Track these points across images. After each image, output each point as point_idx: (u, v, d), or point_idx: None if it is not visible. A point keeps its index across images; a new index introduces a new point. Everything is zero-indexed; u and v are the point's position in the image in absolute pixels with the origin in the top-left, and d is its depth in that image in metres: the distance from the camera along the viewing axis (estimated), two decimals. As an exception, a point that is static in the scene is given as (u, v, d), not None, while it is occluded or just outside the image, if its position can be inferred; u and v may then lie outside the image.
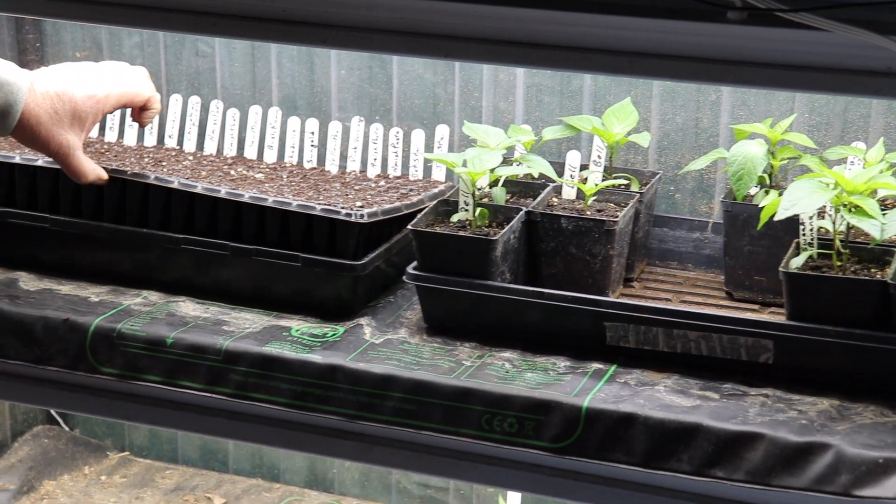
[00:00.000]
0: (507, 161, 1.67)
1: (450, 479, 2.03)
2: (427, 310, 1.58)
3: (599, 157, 1.71)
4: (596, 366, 1.50)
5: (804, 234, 1.50)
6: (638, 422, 1.39)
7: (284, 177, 1.80)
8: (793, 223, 1.49)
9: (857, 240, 1.51)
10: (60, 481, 2.37)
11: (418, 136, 1.81)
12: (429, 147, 1.81)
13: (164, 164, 1.83)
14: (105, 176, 1.63)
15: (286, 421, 1.54)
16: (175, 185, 1.64)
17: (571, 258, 1.58)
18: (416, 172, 1.82)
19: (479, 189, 1.62)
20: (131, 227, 1.67)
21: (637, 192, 1.67)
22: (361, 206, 1.64)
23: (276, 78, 2.07)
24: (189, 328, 1.57)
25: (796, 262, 1.47)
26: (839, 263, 1.47)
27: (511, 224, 1.56)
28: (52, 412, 2.46)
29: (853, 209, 1.44)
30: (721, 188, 1.86)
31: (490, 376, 1.47)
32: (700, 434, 1.37)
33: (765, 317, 1.55)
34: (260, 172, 1.82)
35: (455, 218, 1.59)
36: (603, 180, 1.69)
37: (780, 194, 1.48)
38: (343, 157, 1.86)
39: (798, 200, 1.43)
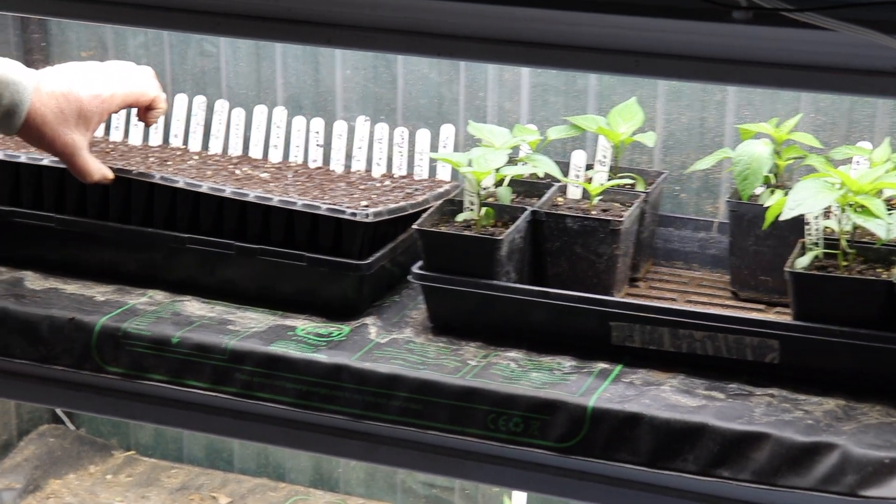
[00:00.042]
0: (512, 161, 1.67)
1: (455, 478, 2.03)
2: (432, 309, 1.58)
3: (605, 156, 1.70)
4: (601, 365, 1.50)
5: (810, 234, 1.50)
6: (643, 421, 1.39)
7: (289, 176, 1.81)
8: (798, 223, 1.49)
9: (863, 240, 1.51)
10: (66, 480, 2.38)
11: (423, 135, 1.81)
12: (434, 147, 1.81)
13: (169, 163, 1.83)
14: (110, 175, 1.63)
15: (292, 420, 1.54)
16: (180, 185, 1.64)
17: (577, 258, 1.58)
18: (420, 172, 1.82)
19: (485, 189, 1.63)
20: (137, 226, 1.67)
21: (642, 192, 1.67)
22: (367, 206, 1.64)
23: (281, 77, 2.07)
24: (194, 327, 1.57)
25: (802, 262, 1.47)
26: (845, 263, 1.47)
27: (516, 224, 1.56)
28: (58, 411, 2.47)
29: (859, 209, 1.44)
30: (726, 188, 1.86)
31: (495, 376, 1.47)
32: (706, 434, 1.37)
33: (770, 317, 1.55)
34: (265, 172, 1.82)
35: (460, 217, 1.60)
36: (608, 180, 1.69)
37: (786, 194, 1.48)
38: (348, 156, 1.86)
39: (804, 200, 1.43)
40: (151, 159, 1.85)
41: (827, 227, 1.49)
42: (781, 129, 1.65)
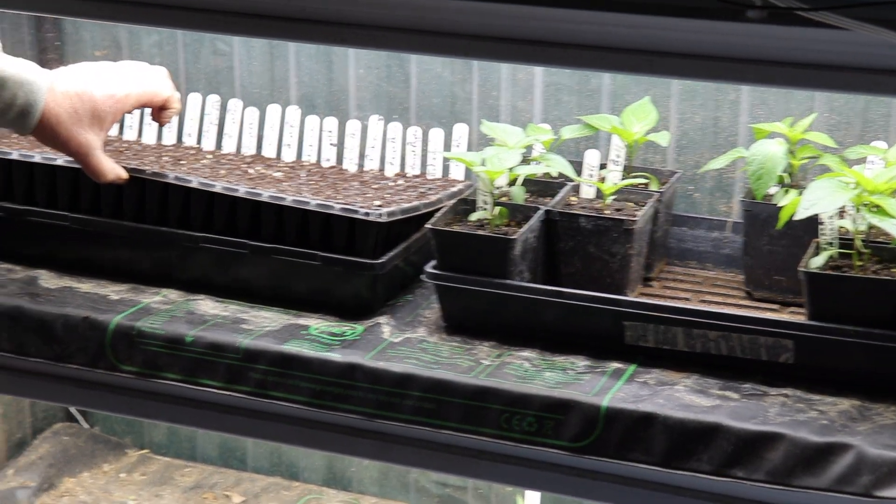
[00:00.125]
0: (525, 160, 1.67)
1: (469, 478, 2.03)
2: (446, 309, 1.58)
3: (618, 156, 1.70)
4: (615, 365, 1.50)
5: (824, 234, 1.49)
6: (657, 421, 1.39)
7: (303, 175, 1.81)
8: (812, 223, 1.49)
9: (878, 239, 1.50)
10: (80, 478, 2.38)
11: (436, 134, 1.81)
12: (447, 146, 1.81)
13: (182, 162, 1.84)
14: (124, 175, 1.64)
15: (305, 419, 1.54)
16: (194, 185, 1.65)
17: (590, 257, 1.58)
18: (434, 171, 1.82)
19: (498, 188, 1.62)
20: (151, 225, 1.68)
21: (656, 192, 1.66)
22: (380, 206, 1.64)
23: (294, 77, 2.07)
24: (208, 326, 1.58)
25: (816, 262, 1.46)
26: (860, 263, 1.47)
27: (530, 223, 1.56)
28: (72, 410, 2.47)
29: (874, 209, 1.43)
30: (740, 187, 1.85)
31: (509, 375, 1.47)
32: (720, 434, 1.37)
33: (785, 316, 1.55)
34: (278, 171, 1.82)
35: (474, 217, 1.59)
36: (622, 179, 1.68)
37: (800, 194, 1.48)
38: (361, 155, 1.86)
39: (818, 200, 1.42)
40: (165, 158, 1.85)
41: (841, 227, 1.49)
42: (796, 128, 1.64)
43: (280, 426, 1.57)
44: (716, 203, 1.88)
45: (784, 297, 1.61)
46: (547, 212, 1.59)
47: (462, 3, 1.40)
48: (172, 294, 1.67)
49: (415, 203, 1.67)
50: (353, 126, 1.86)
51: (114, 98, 1.59)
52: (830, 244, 1.49)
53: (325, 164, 1.87)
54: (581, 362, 1.50)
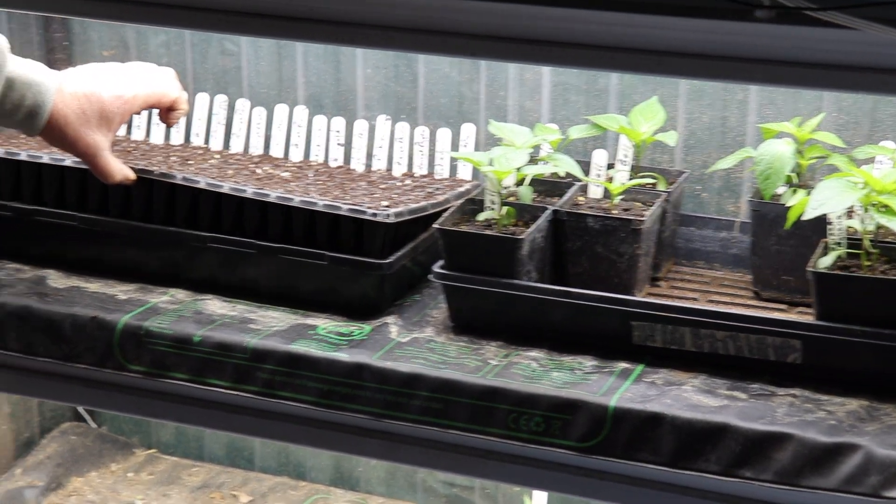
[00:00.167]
0: (533, 160, 1.67)
1: (477, 478, 2.03)
2: (453, 308, 1.58)
3: (626, 156, 1.70)
4: (622, 365, 1.49)
5: (832, 234, 1.49)
6: (665, 421, 1.39)
7: (310, 175, 1.81)
8: (821, 223, 1.49)
9: (886, 239, 1.50)
10: (88, 478, 2.39)
11: (444, 134, 1.81)
12: (454, 146, 1.81)
13: (190, 162, 1.84)
14: (132, 176, 1.64)
15: (313, 419, 1.54)
16: (202, 186, 1.65)
17: (598, 257, 1.58)
18: (441, 171, 1.82)
19: (506, 188, 1.62)
20: (158, 225, 1.68)
21: (664, 192, 1.66)
22: (388, 206, 1.64)
23: (302, 76, 2.08)
24: (216, 326, 1.58)
25: (825, 262, 1.46)
26: (868, 263, 1.46)
27: (537, 223, 1.56)
28: (80, 409, 2.48)
29: (882, 209, 1.43)
30: (748, 187, 1.85)
31: (517, 375, 1.47)
32: (728, 434, 1.37)
33: (793, 317, 1.55)
34: (286, 171, 1.82)
35: (481, 217, 1.59)
36: (629, 179, 1.68)
37: (808, 194, 1.48)
38: (369, 155, 1.86)
39: (826, 200, 1.42)
40: (173, 158, 1.85)
41: (850, 227, 1.49)
42: (804, 128, 1.64)
43: (288, 426, 1.57)
44: (724, 203, 1.88)
45: (792, 297, 1.60)
46: (555, 212, 1.59)
47: (470, 3, 1.40)
48: (180, 294, 1.67)
49: (422, 203, 1.67)
50: (360, 126, 1.86)
51: (122, 99, 1.60)
52: (839, 244, 1.49)
53: (332, 164, 1.87)
54: (589, 362, 1.50)
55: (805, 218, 1.44)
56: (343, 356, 1.51)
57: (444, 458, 1.51)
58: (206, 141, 1.94)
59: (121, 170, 1.62)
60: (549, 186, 1.69)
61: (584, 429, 1.41)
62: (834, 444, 1.33)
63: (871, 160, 1.61)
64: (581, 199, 1.67)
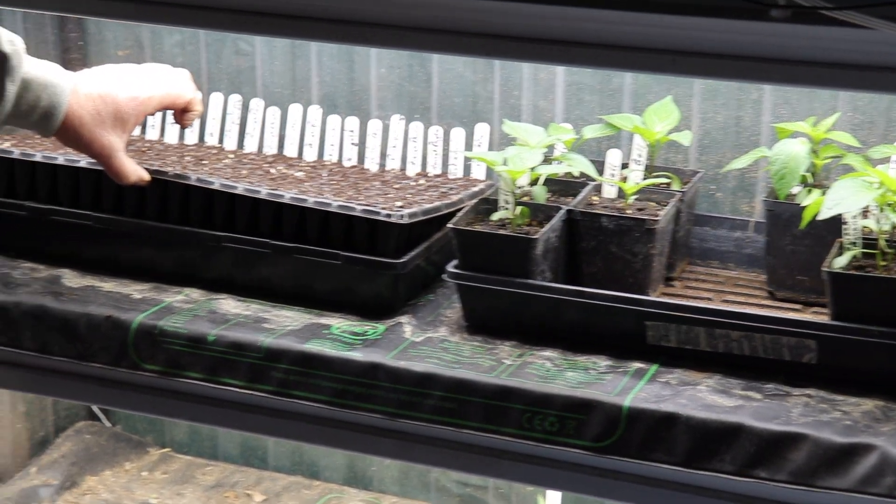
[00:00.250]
0: (547, 159, 1.66)
1: (491, 477, 2.03)
2: (467, 308, 1.58)
3: (640, 155, 1.70)
4: (637, 365, 1.49)
5: (847, 234, 1.49)
6: (680, 421, 1.39)
7: (324, 175, 1.81)
8: (836, 222, 1.48)
9: (902, 239, 1.50)
10: (102, 477, 2.39)
11: (458, 134, 1.81)
12: (468, 145, 1.81)
13: (204, 162, 1.84)
14: (147, 177, 1.64)
15: (327, 419, 1.54)
16: (216, 186, 1.65)
17: (612, 257, 1.58)
18: (455, 171, 1.82)
19: (520, 188, 1.62)
20: (173, 225, 1.68)
21: (678, 191, 1.66)
22: (402, 207, 1.64)
23: (316, 76, 2.08)
24: (230, 325, 1.58)
25: (840, 262, 1.46)
26: (883, 263, 1.46)
27: (551, 223, 1.56)
28: (94, 408, 2.48)
29: (898, 208, 1.43)
30: (762, 187, 1.85)
31: (531, 375, 1.47)
32: (742, 434, 1.36)
33: (808, 317, 1.54)
34: (300, 171, 1.83)
35: (495, 216, 1.59)
36: (644, 179, 1.68)
37: (823, 193, 1.47)
38: (383, 155, 1.86)
39: (842, 200, 1.42)
40: (187, 158, 1.86)
41: (865, 227, 1.48)
42: (819, 127, 1.64)
43: (302, 425, 1.57)
44: (738, 203, 1.88)
45: (807, 297, 1.60)
46: (569, 211, 1.59)
47: (484, 2, 1.40)
48: (195, 293, 1.67)
49: (436, 203, 1.67)
50: (374, 125, 1.86)
51: (137, 100, 1.60)
52: (854, 244, 1.48)
53: (346, 164, 1.87)
54: (603, 362, 1.50)
55: (820, 218, 1.44)
56: (357, 356, 1.51)
57: (458, 457, 1.51)
58: (221, 140, 1.94)
59: (135, 171, 1.63)
60: (564, 186, 1.69)
61: (599, 429, 1.41)
62: (849, 444, 1.33)
63: (886, 160, 1.61)
64: (595, 198, 1.67)
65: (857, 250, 1.48)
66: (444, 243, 1.66)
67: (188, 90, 1.68)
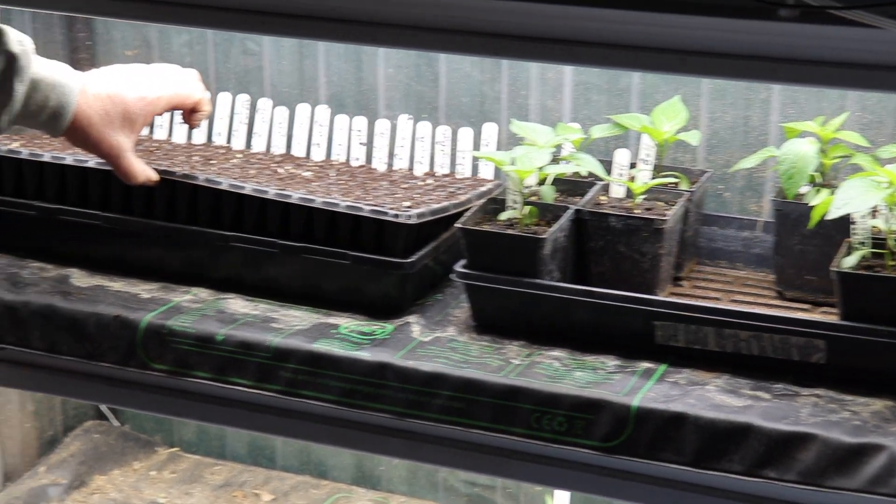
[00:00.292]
0: (555, 159, 1.66)
1: (499, 477, 2.03)
2: (475, 308, 1.58)
3: (648, 155, 1.70)
4: (645, 365, 1.49)
5: (856, 234, 1.48)
6: (688, 421, 1.38)
7: (332, 175, 1.81)
8: (844, 222, 1.48)
9: (911, 239, 1.49)
10: (111, 476, 2.40)
11: (466, 134, 1.81)
12: (476, 145, 1.81)
13: (213, 162, 1.84)
14: (155, 177, 1.64)
15: (335, 418, 1.55)
16: (224, 186, 1.65)
17: (620, 257, 1.58)
18: (463, 170, 1.82)
19: (528, 187, 1.62)
20: (181, 224, 1.68)
21: (686, 191, 1.66)
22: (410, 207, 1.64)
23: (323, 76, 2.08)
24: (238, 325, 1.58)
25: (849, 262, 1.45)
26: (892, 263, 1.46)
27: (560, 222, 1.56)
28: (102, 408, 2.49)
29: (907, 208, 1.43)
30: (771, 187, 1.85)
31: (539, 375, 1.47)
32: (751, 434, 1.36)
33: (817, 317, 1.54)
34: (308, 170, 1.83)
35: (503, 216, 1.59)
36: (652, 179, 1.68)
37: (832, 193, 1.47)
38: (391, 155, 1.86)
39: (850, 199, 1.42)
40: (195, 158, 1.86)
41: (874, 227, 1.48)
42: (827, 127, 1.63)
43: (310, 425, 1.57)
44: (746, 202, 1.87)
45: (815, 297, 1.60)
46: (577, 211, 1.59)
47: (492, 2, 1.40)
48: (203, 293, 1.67)
49: (444, 203, 1.67)
50: (382, 125, 1.87)
51: (145, 100, 1.60)
52: (863, 244, 1.48)
53: (354, 164, 1.87)
54: (611, 362, 1.50)
55: (829, 217, 1.43)
56: (365, 355, 1.51)
57: (466, 457, 1.51)
58: (229, 140, 1.94)
59: (143, 171, 1.63)
60: (572, 186, 1.69)
61: (607, 428, 1.41)
62: (858, 444, 1.33)
63: (895, 159, 1.60)
64: (603, 198, 1.67)
65: (866, 250, 1.47)
66: (452, 243, 1.66)
67: (197, 90, 1.68)
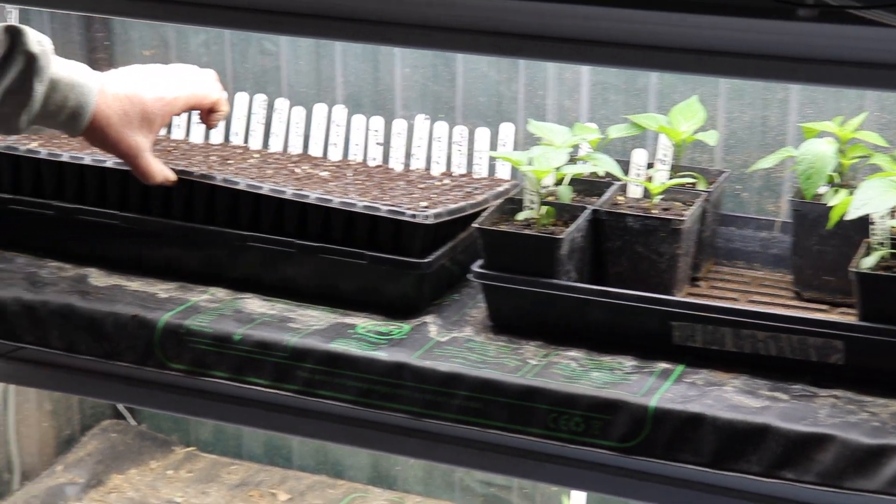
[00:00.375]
0: (572, 159, 1.66)
1: (516, 477, 2.03)
2: (492, 308, 1.58)
3: (665, 155, 1.69)
4: (663, 365, 1.49)
5: (875, 234, 1.48)
6: (706, 422, 1.38)
7: (349, 175, 1.81)
8: (863, 223, 1.47)
9: (930, 239, 1.49)
10: (128, 475, 2.40)
11: (483, 134, 1.81)
12: (493, 145, 1.81)
13: (230, 162, 1.85)
14: (173, 177, 1.65)
15: (352, 418, 1.55)
16: (242, 186, 1.65)
17: (638, 257, 1.57)
18: (480, 170, 1.82)
19: (545, 187, 1.62)
20: (199, 224, 1.69)
21: (704, 191, 1.65)
22: (427, 207, 1.64)
23: (341, 76, 2.08)
24: (256, 325, 1.58)
25: (868, 263, 1.45)
26: (911, 263, 1.45)
27: (577, 222, 1.56)
28: (119, 407, 2.50)
29: (926, 208, 1.42)
30: (788, 187, 1.84)
31: (556, 375, 1.47)
32: (769, 435, 1.36)
33: (835, 317, 1.53)
34: (325, 170, 1.83)
35: (520, 216, 1.59)
36: (669, 179, 1.68)
37: (851, 193, 1.47)
38: (407, 155, 1.86)
39: (870, 200, 1.41)
40: (213, 158, 1.86)
41: (893, 227, 1.47)
42: (846, 127, 1.63)
43: (327, 425, 1.57)
44: (764, 203, 1.87)
45: (833, 298, 1.59)
46: (594, 211, 1.59)
47: (509, 2, 1.40)
48: (220, 293, 1.68)
49: (461, 203, 1.67)
50: (399, 125, 1.87)
51: (163, 101, 1.61)
52: (882, 244, 1.47)
53: (371, 164, 1.87)
54: (628, 362, 1.50)
55: (848, 218, 1.43)
56: (382, 355, 1.51)
57: (483, 457, 1.51)
58: (246, 140, 1.95)
59: (161, 171, 1.63)
60: (589, 186, 1.69)
61: (625, 429, 1.41)
62: (877, 445, 1.32)
63: (914, 160, 1.60)
64: (620, 198, 1.66)
65: (885, 250, 1.47)
66: (469, 243, 1.66)
67: (214, 90, 1.68)
